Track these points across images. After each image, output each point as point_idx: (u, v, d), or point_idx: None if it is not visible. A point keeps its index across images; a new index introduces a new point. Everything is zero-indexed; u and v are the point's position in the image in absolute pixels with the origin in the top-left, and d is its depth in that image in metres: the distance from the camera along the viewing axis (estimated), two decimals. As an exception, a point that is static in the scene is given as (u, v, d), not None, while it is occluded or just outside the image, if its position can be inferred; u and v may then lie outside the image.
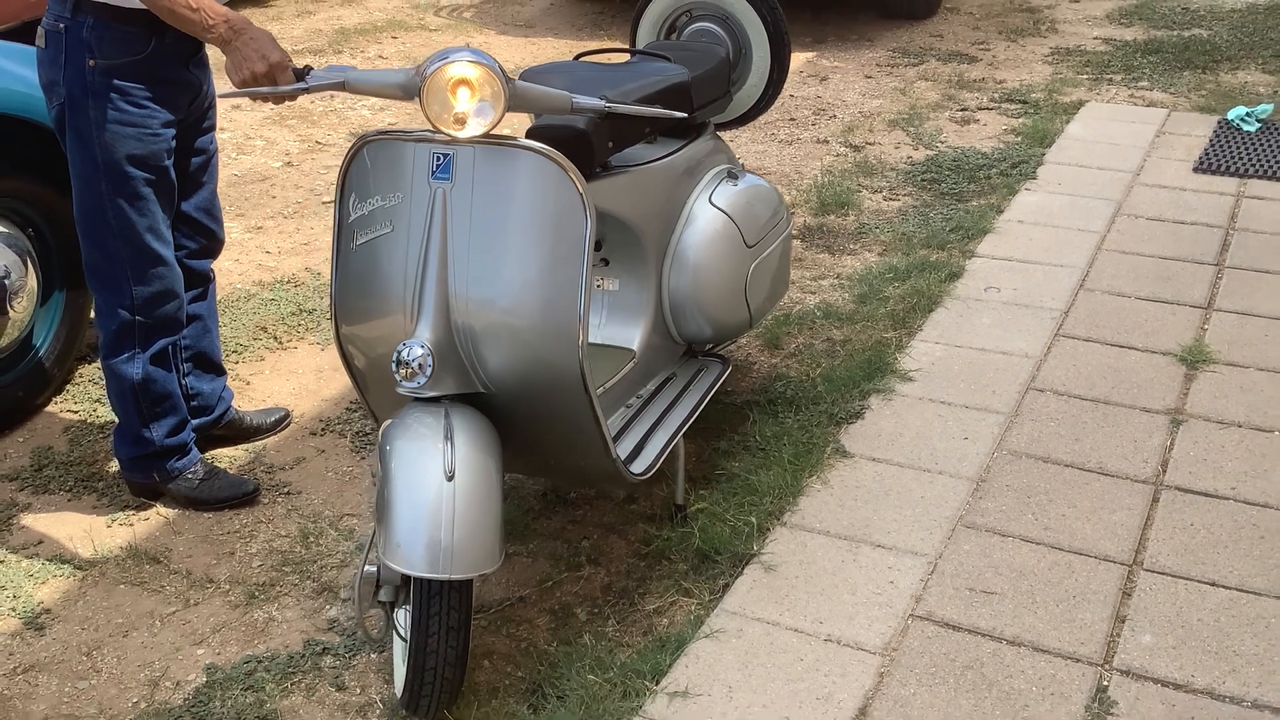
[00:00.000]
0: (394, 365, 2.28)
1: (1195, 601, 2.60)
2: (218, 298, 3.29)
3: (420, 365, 2.26)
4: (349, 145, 2.78)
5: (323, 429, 3.43)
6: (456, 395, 2.34)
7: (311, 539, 2.96)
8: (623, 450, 2.65)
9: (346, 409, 3.52)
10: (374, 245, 2.37)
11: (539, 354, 2.33)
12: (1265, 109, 5.54)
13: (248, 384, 3.65)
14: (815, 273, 4.28)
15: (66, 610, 2.74)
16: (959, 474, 3.05)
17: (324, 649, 2.61)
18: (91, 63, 2.68)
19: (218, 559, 2.91)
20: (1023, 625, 2.54)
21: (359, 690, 2.50)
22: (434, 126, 2.27)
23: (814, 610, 2.59)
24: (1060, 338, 3.71)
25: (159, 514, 3.07)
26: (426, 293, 2.30)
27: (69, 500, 3.13)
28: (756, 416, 3.33)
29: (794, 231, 4.45)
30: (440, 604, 2.22)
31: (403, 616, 2.34)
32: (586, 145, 2.57)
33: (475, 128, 2.25)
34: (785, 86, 3.45)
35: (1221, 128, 5.45)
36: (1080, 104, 5.90)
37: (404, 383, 2.28)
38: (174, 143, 2.83)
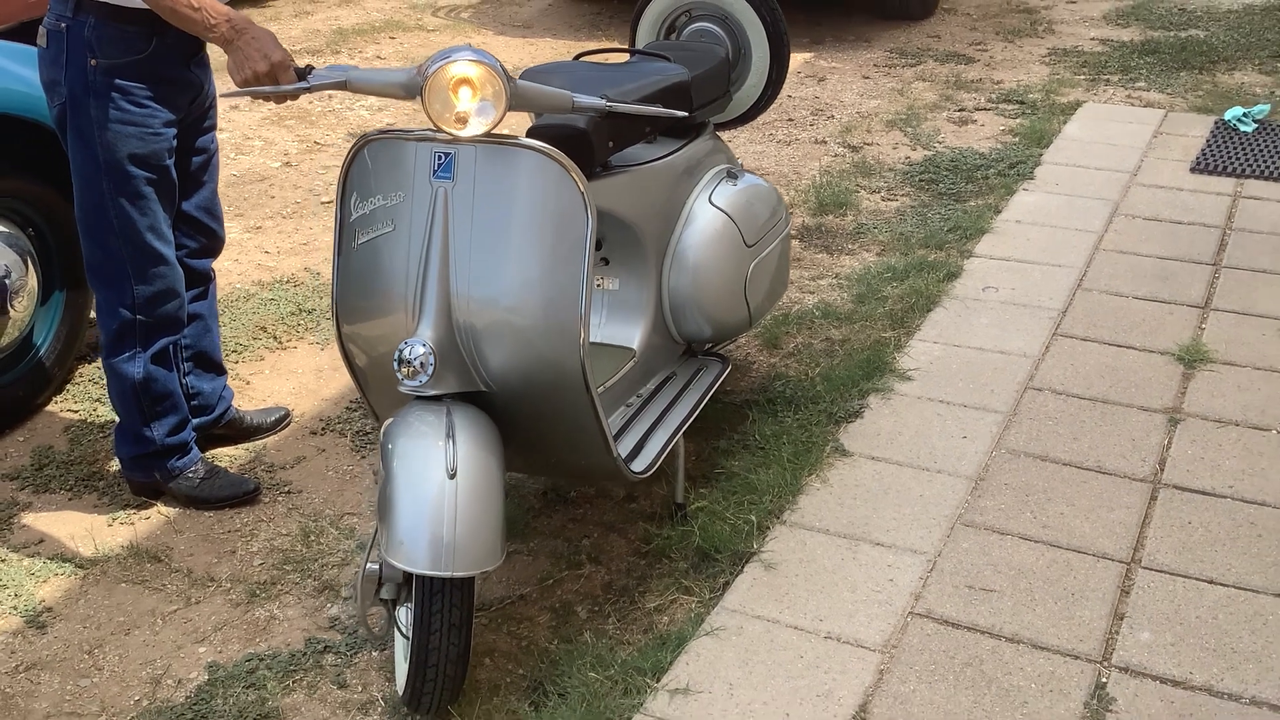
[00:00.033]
0: (396, 364, 2.29)
1: (1193, 599, 2.61)
2: (217, 297, 3.29)
3: (422, 364, 2.27)
4: (347, 145, 2.78)
5: (323, 428, 3.44)
6: (458, 394, 2.35)
7: (312, 537, 2.96)
8: (623, 449, 2.66)
9: (346, 408, 3.53)
10: (375, 244, 2.38)
11: (540, 352, 2.34)
12: (1262, 109, 5.55)
13: (248, 383, 3.65)
14: (814, 273, 4.29)
15: (68, 609, 2.75)
16: (958, 473, 3.06)
17: (325, 647, 2.61)
18: (93, 62, 2.68)
19: (219, 557, 2.91)
20: (1022, 623, 2.55)
21: (360, 688, 2.51)
22: (436, 126, 2.28)
23: (814, 608, 2.60)
24: (1058, 337, 3.72)
25: (160, 513, 3.07)
26: (428, 291, 2.30)
27: (70, 499, 3.13)
28: (756, 415, 3.34)
29: (792, 232, 4.46)
30: (442, 601, 2.23)
31: (404, 614, 2.35)
32: (587, 145, 2.58)
33: (477, 127, 2.26)
34: (783, 87, 3.46)
35: (1218, 128, 5.46)
36: (1077, 104, 5.91)
37: (405, 381, 2.29)
38: (175, 142, 2.84)
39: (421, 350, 2.27)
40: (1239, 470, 3.05)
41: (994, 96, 6.14)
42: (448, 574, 2.17)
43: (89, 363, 3.71)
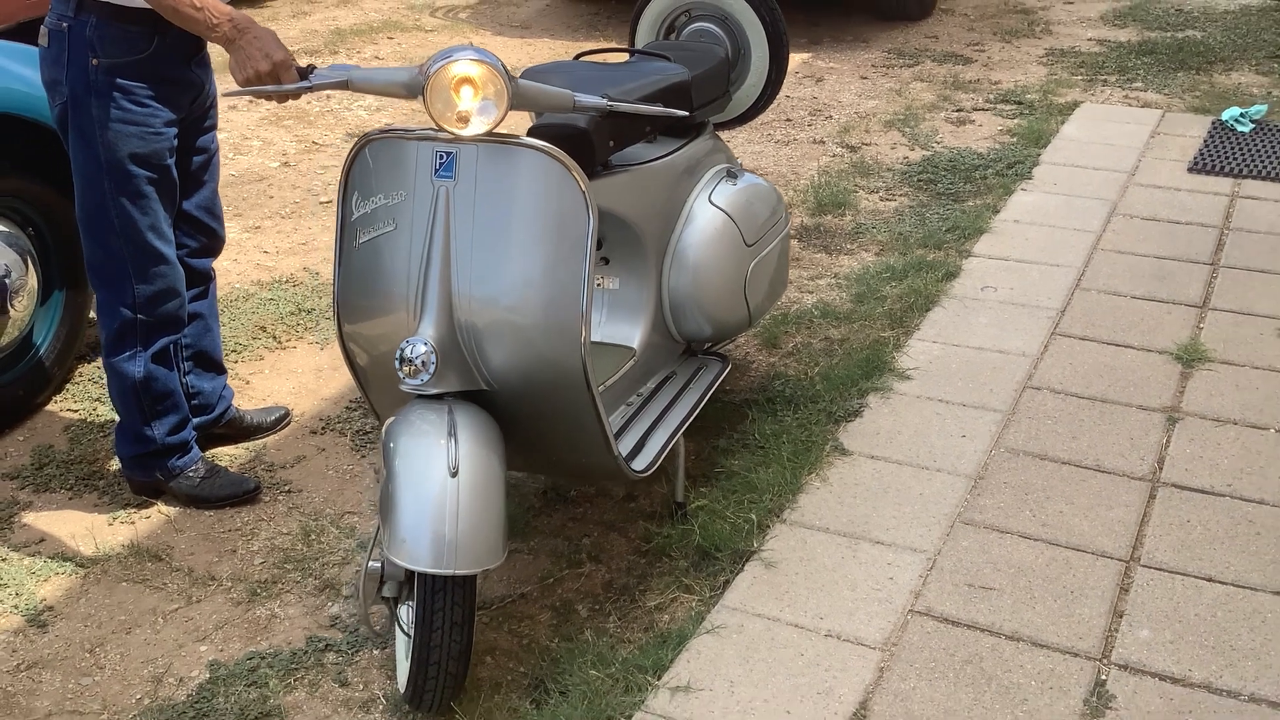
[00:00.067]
0: (397, 363, 2.29)
1: (1192, 597, 2.62)
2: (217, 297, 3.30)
3: (423, 363, 2.28)
4: (346, 145, 2.79)
5: (323, 427, 3.44)
6: (459, 392, 2.35)
7: (313, 536, 2.97)
8: (624, 448, 2.67)
9: (346, 408, 3.53)
10: (377, 243, 2.38)
11: (542, 351, 2.34)
12: (1259, 110, 5.57)
13: (247, 383, 3.66)
14: (813, 272, 4.30)
15: (69, 607, 2.75)
16: (957, 471, 3.06)
17: (327, 645, 2.62)
18: (94, 61, 2.69)
19: (219, 556, 2.92)
20: (1021, 620, 2.56)
21: (362, 686, 2.51)
22: (437, 125, 2.28)
23: (814, 606, 2.61)
24: (1057, 337, 3.73)
25: (160, 512, 3.08)
26: (429, 290, 2.31)
27: (70, 499, 3.14)
28: (756, 415, 3.34)
29: (791, 231, 4.46)
30: (444, 599, 2.23)
31: (406, 612, 2.35)
32: (587, 144, 2.59)
33: (478, 126, 2.27)
34: (782, 87, 3.47)
35: (1216, 128, 5.47)
36: (1075, 105, 5.92)
37: (407, 380, 2.29)
38: (176, 141, 2.84)
39: (423, 349, 2.28)
40: (1237, 469, 3.06)
41: (992, 97, 6.15)
42: (450, 572, 2.18)
43: (89, 362, 3.71)
